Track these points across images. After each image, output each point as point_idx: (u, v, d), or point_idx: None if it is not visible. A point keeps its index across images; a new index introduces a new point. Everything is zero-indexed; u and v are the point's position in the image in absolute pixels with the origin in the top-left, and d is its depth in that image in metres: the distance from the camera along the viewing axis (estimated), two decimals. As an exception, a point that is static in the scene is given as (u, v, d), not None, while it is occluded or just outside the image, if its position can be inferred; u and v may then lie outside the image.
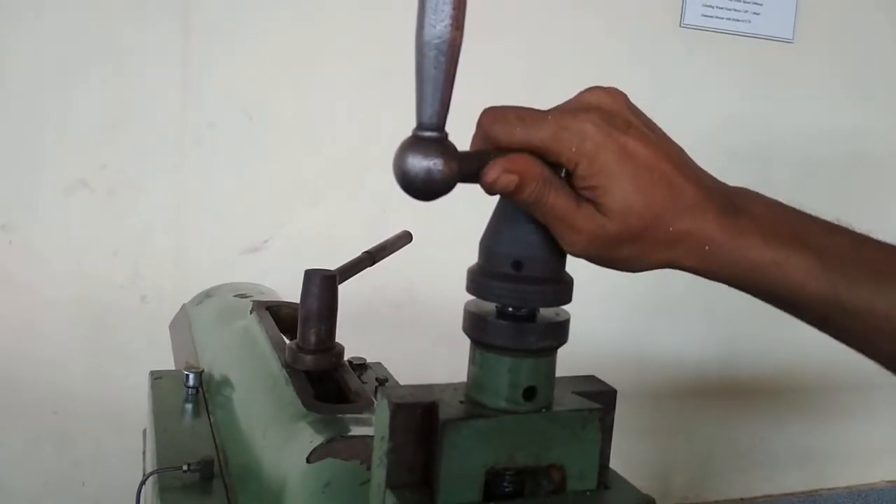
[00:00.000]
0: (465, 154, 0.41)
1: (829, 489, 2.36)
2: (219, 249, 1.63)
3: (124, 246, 1.59)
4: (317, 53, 1.67)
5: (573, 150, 0.42)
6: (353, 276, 0.87)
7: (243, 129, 1.64)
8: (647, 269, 0.47)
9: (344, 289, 0.82)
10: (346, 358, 0.84)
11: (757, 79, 2.03)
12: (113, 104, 1.55)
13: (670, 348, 2.11)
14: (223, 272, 1.34)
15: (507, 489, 0.43)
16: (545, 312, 0.43)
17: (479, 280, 0.43)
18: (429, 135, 0.39)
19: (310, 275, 0.80)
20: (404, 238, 0.97)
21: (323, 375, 0.80)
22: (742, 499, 2.26)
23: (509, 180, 0.42)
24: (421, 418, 0.42)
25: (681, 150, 0.48)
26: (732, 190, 0.49)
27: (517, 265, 0.42)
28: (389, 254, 0.94)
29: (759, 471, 2.28)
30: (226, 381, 0.91)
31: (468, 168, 0.41)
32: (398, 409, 0.42)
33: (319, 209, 1.71)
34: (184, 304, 1.22)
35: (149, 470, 0.82)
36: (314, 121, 1.68)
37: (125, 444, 1.35)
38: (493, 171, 0.42)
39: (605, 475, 0.45)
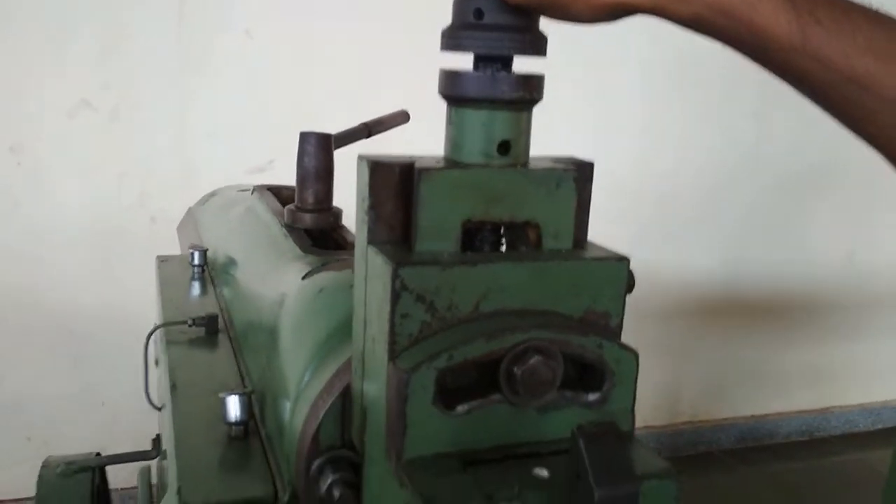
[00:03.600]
0: None
1: (841, 406, 2.37)
2: (225, 169, 1.64)
3: (131, 167, 1.61)
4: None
5: None
6: (348, 144, 0.88)
7: (245, 49, 1.64)
8: (599, 16, 0.44)
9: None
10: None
11: None
12: (112, 24, 1.55)
13: (678, 268, 2.11)
14: (230, 191, 1.35)
15: (482, 248, 0.44)
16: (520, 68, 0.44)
17: (447, 33, 0.44)
18: None
19: (305, 135, 0.81)
20: (401, 116, 0.97)
21: (322, 235, 0.81)
22: (753, 415, 2.27)
23: None
24: (399, 178, 0.43)
25: None
26: None
27: (478, 13, 0.43)
28: (385, 129, 0.95)
29: (770, 389, 2.29)
30: (230, 259, 0.93)
31: None
32: (376, 167, 0.43)
33: (325, 130, 1.71)
34: (189, 207, 1.24)
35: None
36: (317, 41, 1.67)
37: (140, 362, 1.37)
38: None
39: (581, 242, 0.46)
